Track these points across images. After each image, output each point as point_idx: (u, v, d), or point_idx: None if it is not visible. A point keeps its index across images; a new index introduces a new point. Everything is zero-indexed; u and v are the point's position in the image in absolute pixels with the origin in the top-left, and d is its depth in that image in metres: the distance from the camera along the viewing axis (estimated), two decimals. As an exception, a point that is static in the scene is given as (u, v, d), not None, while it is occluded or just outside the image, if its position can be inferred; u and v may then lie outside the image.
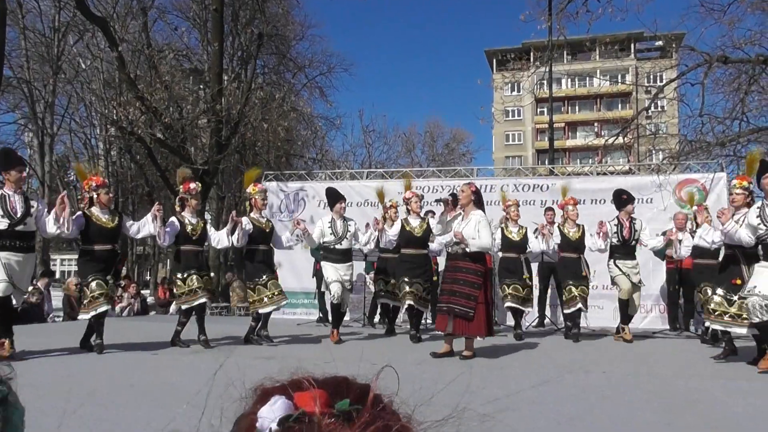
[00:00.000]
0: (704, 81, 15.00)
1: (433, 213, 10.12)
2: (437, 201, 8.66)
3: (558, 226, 10.35)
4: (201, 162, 19.99)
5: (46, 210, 7.61)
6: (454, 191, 8.23)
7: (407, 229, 9.63)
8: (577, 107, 65.13)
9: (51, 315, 15.30)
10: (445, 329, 7.61)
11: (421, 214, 9.98)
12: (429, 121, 56.16)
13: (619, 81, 52.42)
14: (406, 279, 9.52)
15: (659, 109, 18.22)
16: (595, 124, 58.56)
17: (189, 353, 8.09)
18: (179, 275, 8.62)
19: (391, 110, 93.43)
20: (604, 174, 14.70)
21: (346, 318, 9.99)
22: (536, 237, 10.41)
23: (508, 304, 10.34)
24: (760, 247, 7.03)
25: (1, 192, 7.19)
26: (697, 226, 9.01)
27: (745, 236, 7.08)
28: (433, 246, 8.83)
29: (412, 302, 9.53)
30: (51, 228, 7.48)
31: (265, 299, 8.94)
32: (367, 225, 10.35)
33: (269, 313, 9.16)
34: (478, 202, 7.83)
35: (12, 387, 0.87)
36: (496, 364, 7.41)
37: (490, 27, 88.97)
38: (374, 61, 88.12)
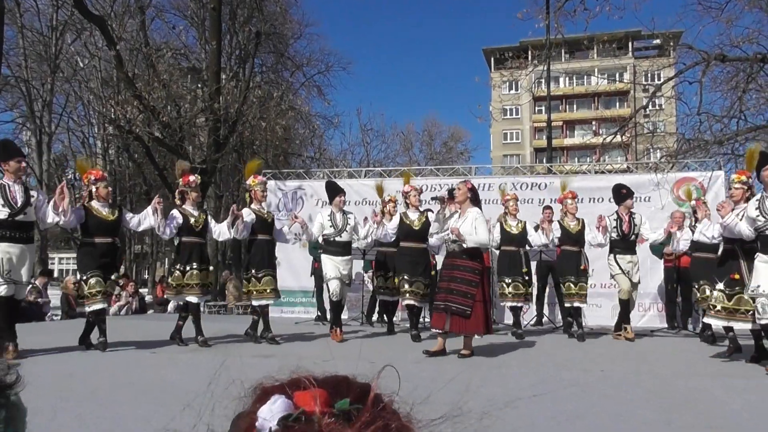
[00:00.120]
0: (702, 79, 15.00)
1: (432, 211, 10.13)
2: (434, 199, 8.66)
3: (558, 220, 10.36)
4: (199, 161, 19.96)
5: (45, 200, 7.62)
6: (452, 187, 8.23)
7: (406, 222, 9.64)
8: (574, 106, 65.13)
9: (49, 314, 15.31)
10: (443, 327, 7.60)
11: (420, 209, 9.98)
12: (427, 120, 56.07)
13: (617, 79, 52.50)
14: (406, 277, 9.49)
15: (657, 107, 18.18)
16: (593, 123, 58.58)
17: (187, 351, 8.10)
18: (179, 266, 8.63)
19: (389, 109, 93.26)
20: (602, 172, 14.70)
21: (344, 316, 9.98)
22: (537, 231, 10.42)
23: (508, 303, 10.36)
24: (758, 238, 7.03)
25: (0, 182, 7.21)
26: (697, 221, 9.00)
27: (746, 229, 7.08)
28: (432, 241, 8.83)
29: (412, 302, 9.53)
30: (50, 217, 7.51)
31: (255, 292, 9.00)
32: (366, 219, 10.36)
33: (267, 313, 9.18)
34: (475, 200, 7.85)
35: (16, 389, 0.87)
36: (495, 363, 7.41)
37: (488, 25, 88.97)
38: (372, 60, 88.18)
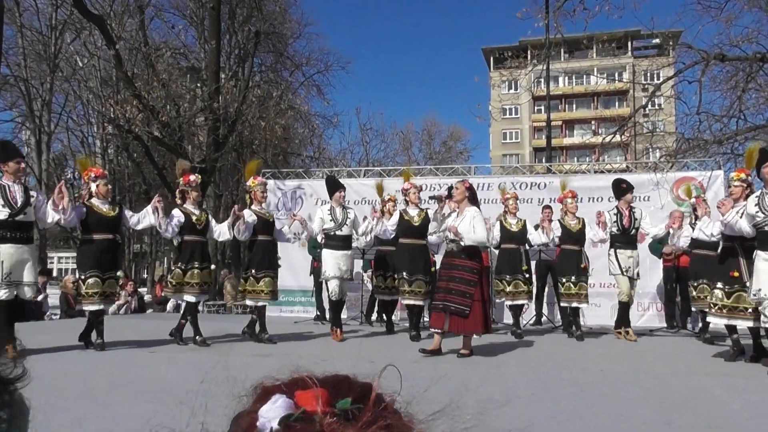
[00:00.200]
0: (701, 79, 14.98)
1: (431, 208, 10.14)
2: (431, 198, 8.66)
3: (558, 219, 10.36)
4: (198, 160, 19.97)
5: (45, 200, 7.64)
6: (452, 186, 8.23)
7: (406, 218, 9.64)
8: (574, 105, 65.14)
9: (48, 313, 15.31)
10: (442, 327, 7.59)
11: (420, 206, 9.98)
12: (426, 119, 56.12)
13: (617, 79, 52.46)
14: (405, 275, 9.47)
15: (656, 107, 18.13)
16: (593, 122, 58.62)
17: (186, 351, 8.10)
18: (180, 264, 8.63)
19: (388, 108, 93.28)
20: (602, 172, 14.71)
21: (343, 316, 9.97)
22: (537, 230, 10.43)
23: (509, 302, 10.35)
24: (757, 235, 7.02)
25: (0, 182, 7.21)
26: (697, 218, 9.00)
27: (746, 226, 7.07)
28: (432, 239, 8.83)
29: (413, 302, 9.52)
30: (51, 216, 7.54)
31: (251, 292, 9.02)
32: (365, 218, 10.36)
33: (264, 314, 9.19)
34: (473, 199, 7.84)
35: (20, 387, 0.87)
36: (494, 363, 7.41)
37: (487, 25, 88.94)
38: (371, 59, 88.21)
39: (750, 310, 7.22)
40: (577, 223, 10.16)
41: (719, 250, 7.96)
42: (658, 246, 11.12)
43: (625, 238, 9.78)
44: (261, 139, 22.85)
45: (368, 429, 0.64)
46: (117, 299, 8.52)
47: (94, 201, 8.05)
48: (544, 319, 12.29)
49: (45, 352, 7.48)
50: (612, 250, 9.84)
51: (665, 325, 11.65)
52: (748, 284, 7.15)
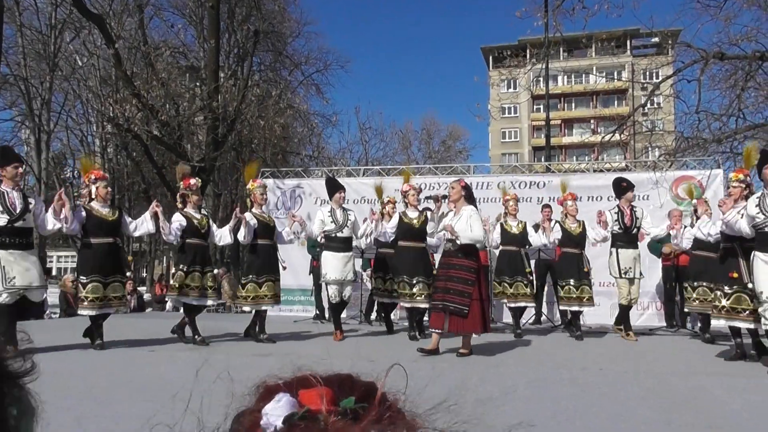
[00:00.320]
0: (701, 77, 14.97)
1: (430, 210, 10.12)
2: (427, 198, 8.66)
3: (559, 222, 10.35)
4: (197, 159, 19.96)
5: (44, 208, 7.64)
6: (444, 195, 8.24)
7: (405, 221, 9.60)
8: (573, 104, 65.13)
9: (47, 312, 15.30)
10: (441, 327, 7.58)
11: (419, 207, 9.96)
12: (425, 118, 56.10)
13: (616, 78, 52.42)
14: (406, 278, 9.42)
15: (655, 105, 18.13)
16: (592, 121, 58.50)
17: (186, 350, 8.09)
18: (183, 266, 8.63)
19: (387, 107, 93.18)
20: (601, 171, 14.71)
21: (343, 315, 9.96)
22: (537, 231, 10.42)
23: (511, 304, 10.33)
24: (757, 236, 7.02)
25: None
26: (698, 219, 9.00)
27: (746, 227, 7.07)
28: (432, 241, 8.82)
29: (416, 305, 9.49)
30: (51, 223, 7.54)
31: (254, 298, 8.99)
32: (365, 220, 10.34)
33: (264, 317, 9.18)
34: (469, 198, 7.83)
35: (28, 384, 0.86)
36: (493, 362, 7.41)
37: (486, 24, 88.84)
38: (370, 58, 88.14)
39: (749, 312, 7.22)
40: (577, 226, 10.14)
41: (720, 251, 7.95)
42: (657, 245, 11.11)
43: (626, 237, 9.75)
44: (260, 138, 22.83)
45: (373, 427, 0.64)
46: (125, 302, 8.47)
47: (94, 204, 8.04)
48: (543, 318, 12.29)
49: (45, 351, 7.47)
50: (613, 249, 9.82)
51: (665, 324, 11.65)
52: (749, 285, 7.15)
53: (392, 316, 10.76)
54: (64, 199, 7.59)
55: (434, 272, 10.22)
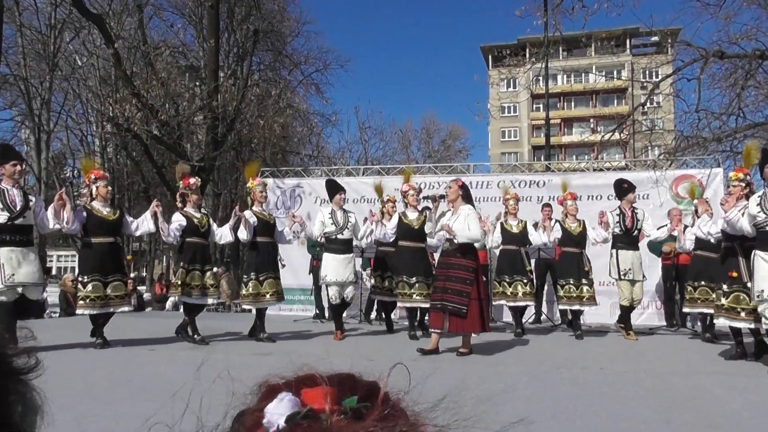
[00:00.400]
0: (700, 76, 14.96)
1: (430, 209, 10.11)
2: (425, 198, 8.65)
3: (559, 221, 10.34)
4: (197, 159, 19.96)
5: (44, 206, 7.65)
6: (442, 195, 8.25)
7: (405, 221, 9.59)
8: (573, 103, 65.11)
9: (47, 311, 15.31)
10: (441, 327, 7.58)
11: (419, 207, 9.96)
12: (425, 118, 56.07)
13: (615, 77, 52.45)
14: (405, 278, 9.41)
15: (655, 104, 18.13)
16: (591, 121, 58.59)
17: (186, 349, 8.09)
18: (183, 265, 8.63)
19: (387, 107, 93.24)
20: (601, 170, 14.72)
21: (343, 315, 9.95)
22: (537, 230, 10.41)
23: (511, 304, 10.32)
24: (757, 235, 7.01)
25: None
26: (698, 218, 8.99)
27: (746, 226, 7.06)
28: (432, 242, 8.82)
29: (415, 305, 9.48)
30: (51, 223, 7.56)
31: (256, 296, 8.98)
32: (365, 220, 10.33)
33: (264, 314, 9.18)
34: (467, 197, 7.82)
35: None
36: (493, 361, 7.41)
37: (486, 23, 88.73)
38: (370, 58, 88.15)
39: (748, 311, 7.21)
40: (577, 225, 10.14)
41: (720, 251, 7.94)
42: (657, 245, 11.11)
43: (627, 238, 9.73)
44: (260, 138, 22.85)
45: (376, 426, 0.64)
46: (127, 301, 8.45)
47: (95, 204, 8.06)
48: (543, 317, 12.29)
49: (45, 350, 7.47)
50: (614, 250, 9.81)
51: (665, 323, 11.65)
52: (749, 285, 7.14)
53: (392, 316, 10.75)
54: (64, 199, 7.58)
55: (433, 272, 10.27)
